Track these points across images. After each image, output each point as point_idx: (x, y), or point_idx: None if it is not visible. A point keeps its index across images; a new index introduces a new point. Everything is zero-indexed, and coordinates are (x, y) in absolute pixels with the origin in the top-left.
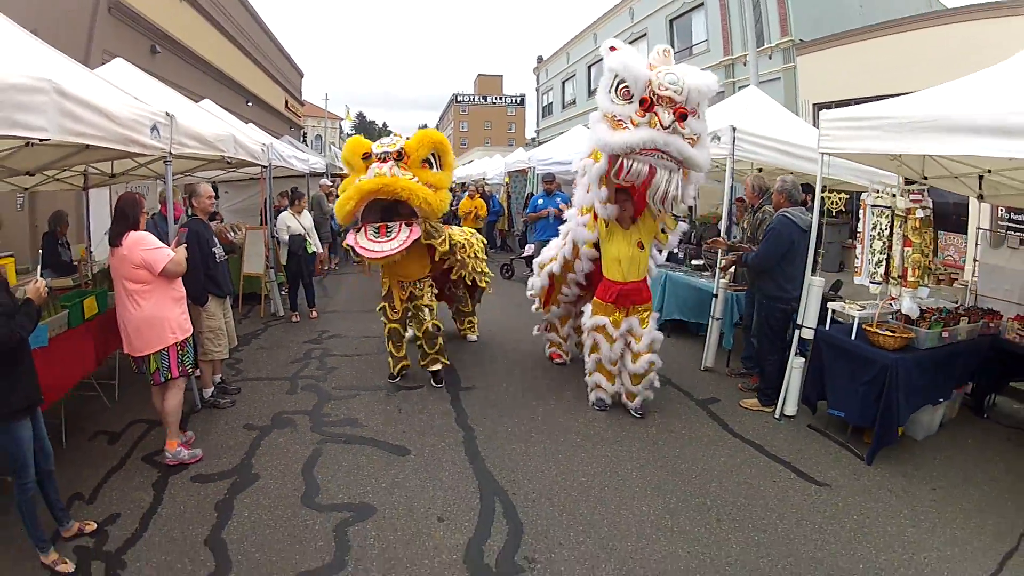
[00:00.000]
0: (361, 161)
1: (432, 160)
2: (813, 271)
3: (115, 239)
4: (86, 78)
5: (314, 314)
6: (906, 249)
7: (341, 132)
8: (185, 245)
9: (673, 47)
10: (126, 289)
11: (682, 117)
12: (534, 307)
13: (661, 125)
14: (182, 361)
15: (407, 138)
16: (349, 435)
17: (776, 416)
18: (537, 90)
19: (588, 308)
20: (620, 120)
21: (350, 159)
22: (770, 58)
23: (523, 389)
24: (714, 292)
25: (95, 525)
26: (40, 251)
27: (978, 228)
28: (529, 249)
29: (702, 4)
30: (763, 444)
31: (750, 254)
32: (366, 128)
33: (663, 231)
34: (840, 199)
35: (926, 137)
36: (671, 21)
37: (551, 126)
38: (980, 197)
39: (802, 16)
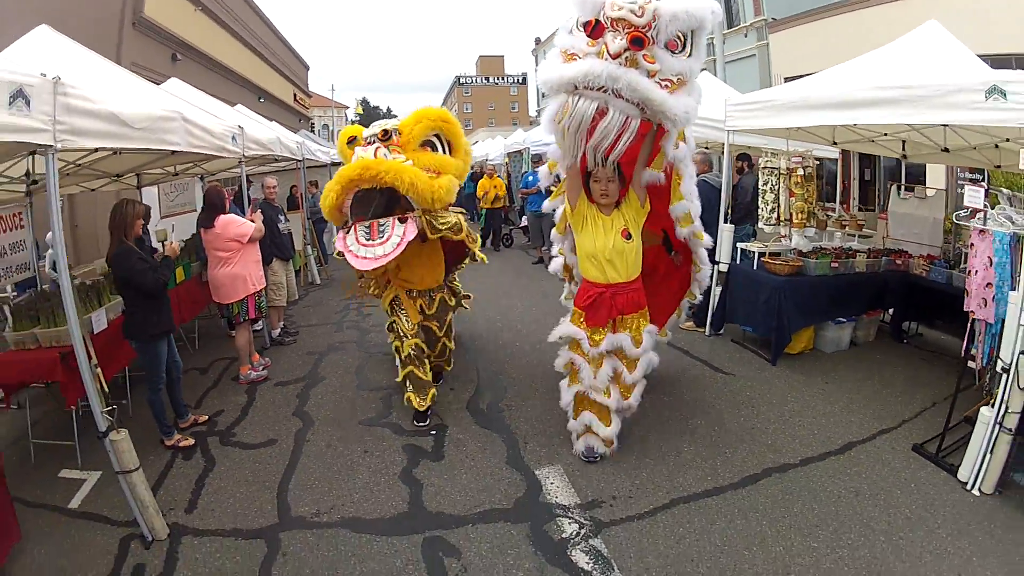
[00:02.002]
0: (347, 149)
1: (439, 143)
2: (731, 221)
3: (208, 222)
4: (193, 110)
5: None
6: (791, 199)
7: (347, 120)
8: (260, 212)
9: None
10: (219, 256)
11: (636, 42)
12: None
13: (609, 54)
14: (259, 306)
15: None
16: (388, 351)
17: (707, 333)
18: (536, 71)
19: (565, 319)
20: (573, 53)
21: (341, 150)
22: (745, 36)
23: (507, 315)
24: None
25: (207, 417)
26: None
27: (891, 184)
28: (523, 221)
29: None
30: (689, 350)
31: None
32: (370, 114)
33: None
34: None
35: (793, 113)
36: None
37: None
38: (904, 157)
39: None
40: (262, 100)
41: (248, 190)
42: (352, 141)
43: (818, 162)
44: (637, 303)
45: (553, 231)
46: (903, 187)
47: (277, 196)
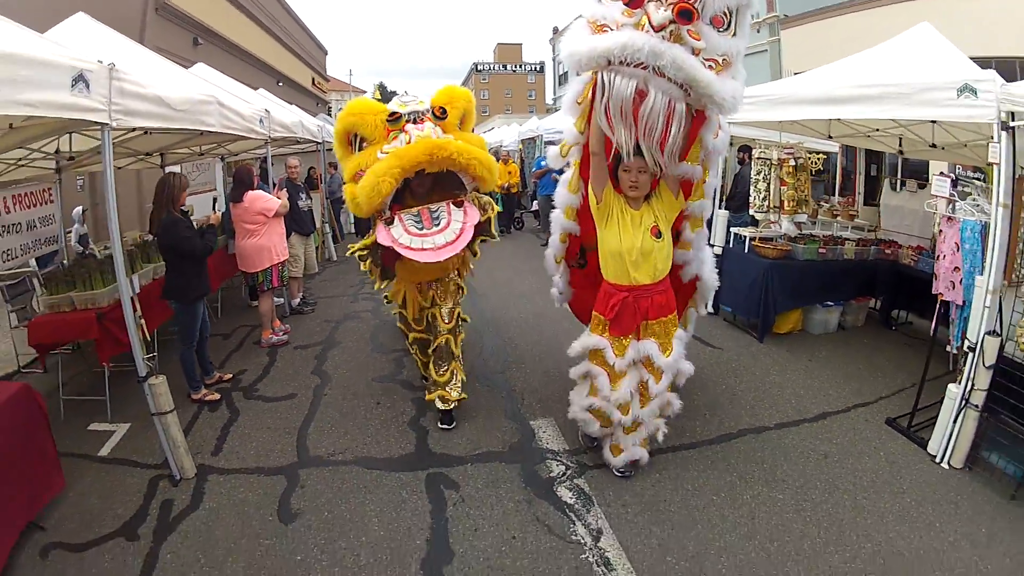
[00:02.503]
0: (384, 126)
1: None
2: (731, 208)
3: (237, 197)
4: (225, 94)
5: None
6: (782, 188)
7: None
8: (286, 191)
9: None
10: (246, 229)
11: (684, 15)
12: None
13: (652, 26)
14: (281, 276)
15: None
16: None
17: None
18: (554, 59)
19: (585, 331)
20: (604, 24)
21: (363, 125)
22: (758, 31)
23: (515, 291)
24: None
25: (231, 375)
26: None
27: (887, 178)
28: (534, 204)
29: None
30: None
31: None
32: (388, 98)
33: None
34: (819, 159)
35: (783, 108)
36: None
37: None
38: (900, 152)
39: None
40: (281, 84)
41: (271, 170)
42: (396, 118)
43: (825, 156)
44: (664, 306)
45: (558, 216)
46: (897, 181)
47: (299, 176)
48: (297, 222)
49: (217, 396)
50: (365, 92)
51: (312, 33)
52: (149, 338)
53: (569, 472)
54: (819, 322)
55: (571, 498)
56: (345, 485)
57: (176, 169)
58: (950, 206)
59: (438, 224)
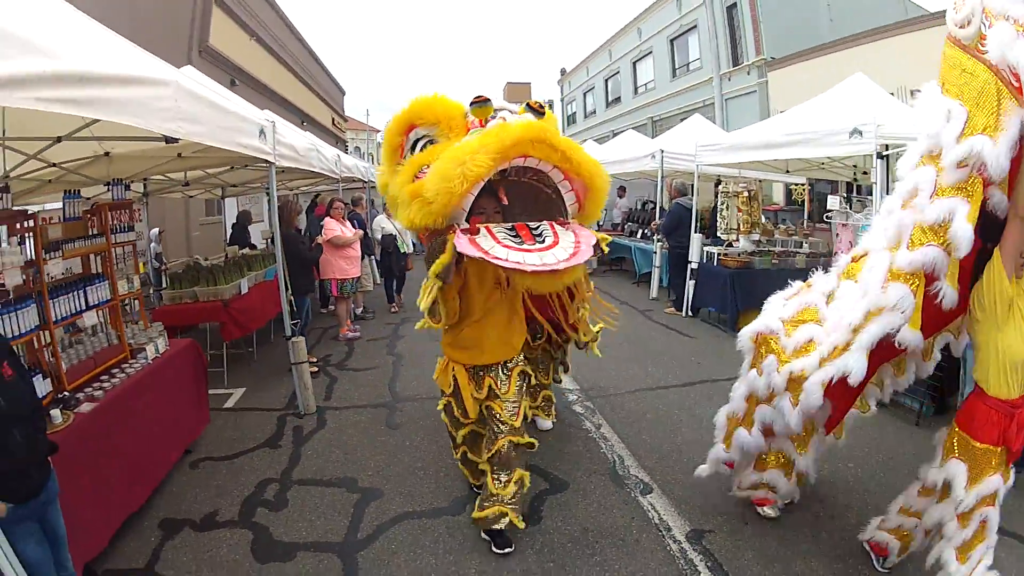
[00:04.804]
0: (462, 119)
1: None
2: (698, 232)
3: (321, 219)
4: (317, 143)
5: (395, 308)
6: (739, 214)
7: (378, 144)
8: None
9: (674, 63)
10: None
11: None
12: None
13: None
14: (341, 289)
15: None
16: None
17: (683, 314)
18: (562, 100)
19: (956, 470)
20: None
21: (428, 116)
22: (748, 74)
23: None
24: (654, 250)
25: (320, 358)
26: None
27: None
28: None
29: (695, 27)
30: (666, 324)
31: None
32: None
33: None
34: (803, 190)
35: (738, 152)
36: (671, 40)
37: (576, 134)
38: (855, 180)
39: (773, 36)
40: (304, 124)
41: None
42: (483, 101)
43: (809, 185)
44: None
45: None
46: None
47: (365, 208)
48: (366, 245)
49: (315, 369)
50: (379, 131)
51: (331, 74)
52: (295, 307)
53: (580, 398)
54: None
55: (581, 410)
56: (432, 410)
57: (234, 201)
58: (841, 216)
59: (542, 241)
